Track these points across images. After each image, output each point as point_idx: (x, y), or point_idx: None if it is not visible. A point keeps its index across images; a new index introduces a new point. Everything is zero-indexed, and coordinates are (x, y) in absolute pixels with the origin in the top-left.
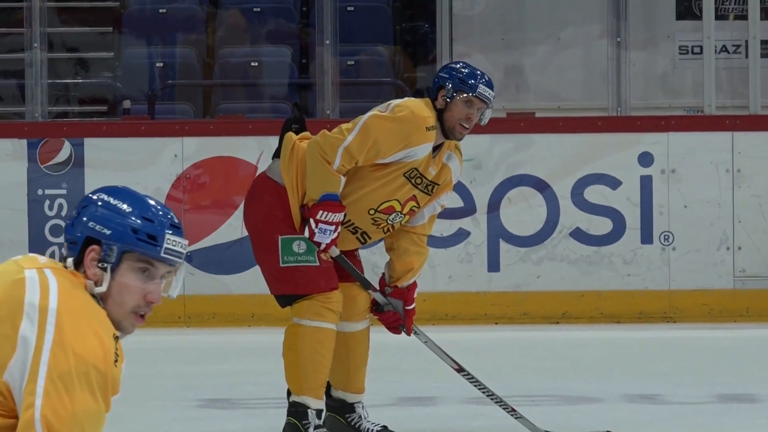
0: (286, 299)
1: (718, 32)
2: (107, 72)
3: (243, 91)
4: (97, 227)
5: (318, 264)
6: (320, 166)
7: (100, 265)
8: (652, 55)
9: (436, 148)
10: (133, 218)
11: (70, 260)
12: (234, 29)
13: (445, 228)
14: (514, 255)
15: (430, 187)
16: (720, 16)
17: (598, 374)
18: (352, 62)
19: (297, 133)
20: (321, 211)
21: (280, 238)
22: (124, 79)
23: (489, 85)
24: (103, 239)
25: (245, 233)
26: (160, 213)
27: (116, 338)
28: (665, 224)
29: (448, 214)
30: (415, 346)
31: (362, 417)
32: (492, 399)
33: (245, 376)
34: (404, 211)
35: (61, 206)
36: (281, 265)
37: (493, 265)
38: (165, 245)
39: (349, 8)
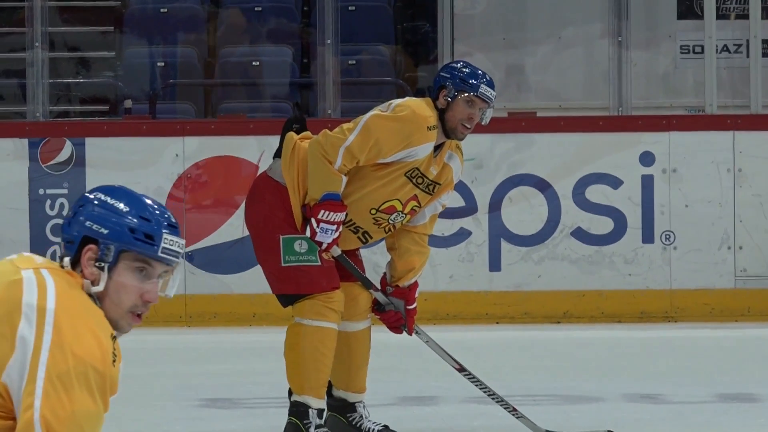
0: (287, 299)
1: (720, 32)
2: (108, 71)
3: (244, 90)
4: (95, 226)
5: (319, 263)
6: (322, 165)
7: (97, 264)
8: (654, 55)
9: (437, 148)
10: (131, 218)
11: (67, 259)
12: (235, 29)
13: (446, 227)
14: (516, 254)
15: (431, 187)
16: (721, 15)
17: (599, 374)
18: (354, 62)
19: (298, 133)
20: (322, 211)
21: (281, 237)
22: (126, 78)
23: (490, 84)
24: (100, 238)
25: (246, 233)
26: (157, 212)
27: (114, 338)
28: (666, 224)
29: (449, 213)
30: (417, 345)
31: (363, 416)
32: (493, 398)
33: (246, 375)
34: (405, 211)
35: (62, 206)
36: (283, 264)
37: (495, 264)
38: (162, 245)
39: (350, 8)
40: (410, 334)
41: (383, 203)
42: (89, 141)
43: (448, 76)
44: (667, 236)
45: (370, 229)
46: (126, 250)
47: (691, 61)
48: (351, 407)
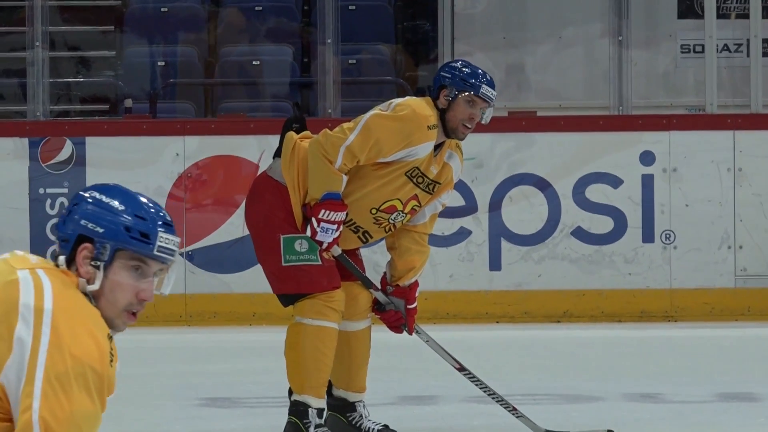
0: (288, 298)
1: (720, 31)
2: (109, 71)
3: (244, 89)
4: (90, 225)
5: (320, 263)
6: (322, 165)
7: (93, 263)
8: (654, 54)
9: (437, 147)
10: (126, 216)
11: (62, 258)
12: (235, 28)
13: (446, 227)
14: (516, 254)
15: (431, 186)
16: (721, 15)
17: (599, 373)
18: (354, 61)
19: (297, 133)
20: (323, 210)
21: (282, 237)
22: (126, 77)
23: (491, 84)
24: (96, 237)
25: (246, 232)
26: (152, 210)
27: (110, 338)
28: (666, 223)
29: (449, 212)
30: (417, 345)
31: (363, 416)
32: (493, 398)
33: (246, 375)
34: (406, 210)
35: (62, 205)
36: (283, 264)
37: (495, 263)
38: (158, 243)
39: (350, 7)
40: (410, 333)
41: (384, 203)
42: (89, 140)
43: (449, 76)
44: (668, 236)
45: (371, 228)
46: (122, 249)
47: (691, 61)
48: (351, 407)
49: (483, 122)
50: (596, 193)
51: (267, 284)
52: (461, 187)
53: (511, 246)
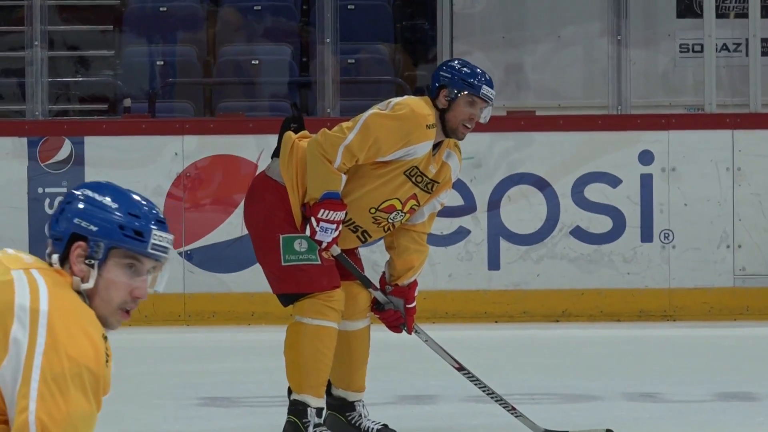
0: (288, 298)
1: (719, 30)
2: (108, 70)
3: (243, 89)
4: (83, 223)
5: (320, 262)
6: (321, 164)
7: (87, 261)
8: (653, 54)
9: (436, 146)
10: (119, 214)
11: (55, 256)
12: (234, 27)
13: (445, 226)
14: (515, 253)
15: (430, 186)
16: (720, 14)
17: (598, 372)
18: (353, 60)
19: (296, 132)
20: (322, 210)
21: (281, 237)
22: (125, 77)
23: (490, 84)
24: (89, 236)
25: (245, 231)
26: (145, 208)
27: (105, 338)
28: (665, 222)
29: (448, 212)
30: (416, 344)
31: (363, 415)
32: (492, 397)
33: (245, 374)
34: (405, 210)
35: None
36: (283, 264)
37: (493, 263)
38: (152, 241)
39: (349, 6)
40: (410, 333)
41: (383, 202)
42: (88, 140)
43: (449, 76)
44: (666, 235)
45: (370, 228)
46: (115, 247)
47: (690, 60)
48: (350, 406)
49: (482, 121)
50: (595, 192)
51: (266, 284)
52: (460, 187)
53: (510, 245)
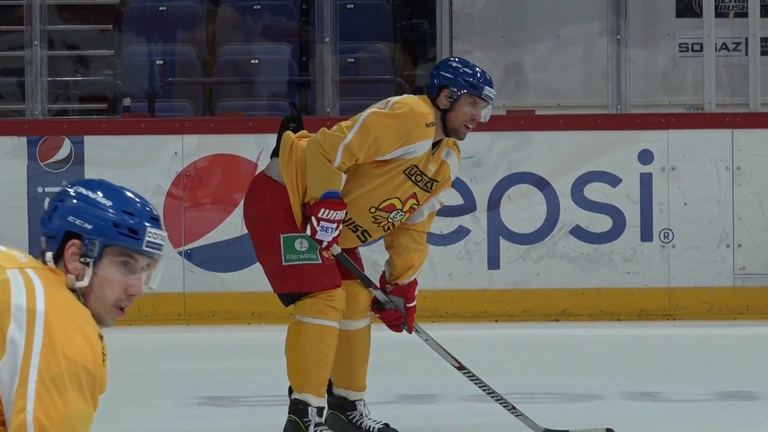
0: (289, 298)
1: (719, 30)
2: (107, 69)
3: (243, 88)
4: (78, 222)
5: (320, 262)
6: (321, 164)
7: (82, 260)
8: (653, 53)
9: (435, 145)
10: (114, 212)
11: (49, 254)
12: (234, 27)
13: (445, 225)
14: (514, 252)
15: (429, 185)
16: (720, 13)
17: (598, 372)
18: (352, 60)
19: (294, 132)
20: (323, 209)
21: (282, 236)
22: (124, 76)
23: (491, 84)
24: (84, 234)
25: (245, 231)
26: (139, 205)
27: (101, 337)
28: (665, 222)
29: (448, 211)
30: (416, 343)
31: (364, 414)
32: (492, 396)
33: (245, 373)
34: (405, 209)
35: None
36: (284, 263)
37: (493, 262)
38: (146, 238)
39: (348, 6)
40: (410, 332)
41: (383, 201)
42: (88, 139)
43: (451, 77)
44: (666, 234)
45: (370, 227)
46: (110, 245)
47: (690, 59)
48: (351, 405)
49: (482, 120)
50: (595, 191)
51: (266, 283)
52: (460, 186)
53: (510, 245)
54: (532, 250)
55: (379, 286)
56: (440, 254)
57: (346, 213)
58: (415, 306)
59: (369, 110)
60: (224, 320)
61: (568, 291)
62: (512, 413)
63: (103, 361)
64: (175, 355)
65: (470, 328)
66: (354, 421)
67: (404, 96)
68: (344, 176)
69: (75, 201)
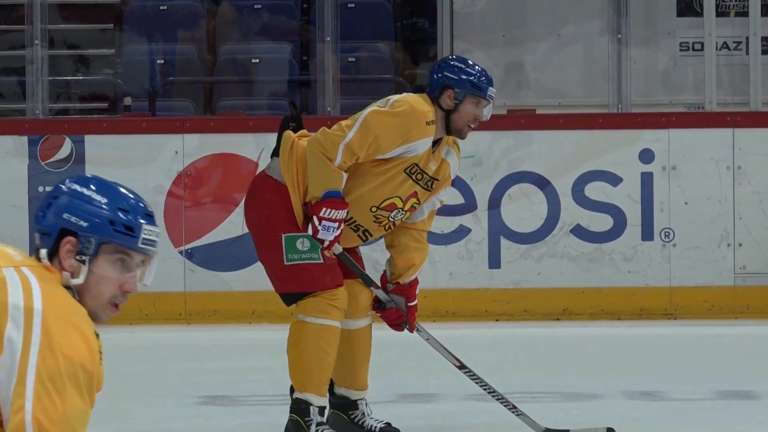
0: (291, 297)
1: (719, 29)
2: (108, 69)
3: (243, 87)
4: (73, 219)
5: (322, 261)
6: (322, 163)
7: (77, 257)
8: (653, 52)
9: (435, 143)
10: (109, 209)
11: (44, 251)
12: (234, 26)
13: (445, 225)
14: (515, 252)
15: (430, 183)
16: (721, 12)
17: (598, 371)
18: (353, 59)
19: (294, 131)
20: (324, 209)
21: (283, 236)
22: (125, 75)
23: (492, 83)
24: (80, 231)
25: (246, 230)
26: (133, 202)
27: (97, 335)
28: (666, 221)
29: (448, 210)
30: (417, 343)
31: (365, 414)
32: (493, 396)
33: (246, 372)
34: (406, 208)
35: None
36: (285, 263)
37: (494, 261)
38: (142, 235)
39: (349, 5)
40: (411, 331)
41: (384, 201)
42: (89, 138)
43: (455, 77)
44: (667, 233)
45: (371, 227)
46: (106, 243)
47: (690, 59)
48: (353, 404)
49: (483, 119)
50: (595, 191)
51: (267, 282)
52: (460, 185)
53: (511, 244)
54: (532, 250)
55: (380, 285)
56: (441, 253)
57: (348, 212)
58: (416, 305)
59: (369, 109)
60: (225, 319)
61: (568, 290)
62: (513, 412)
63: (100, 359)
64: (175, 355)
65: (471, 328)
66: (356, 420)
67: (404, 94)
68: (345, 175)
69: (69, 198)
